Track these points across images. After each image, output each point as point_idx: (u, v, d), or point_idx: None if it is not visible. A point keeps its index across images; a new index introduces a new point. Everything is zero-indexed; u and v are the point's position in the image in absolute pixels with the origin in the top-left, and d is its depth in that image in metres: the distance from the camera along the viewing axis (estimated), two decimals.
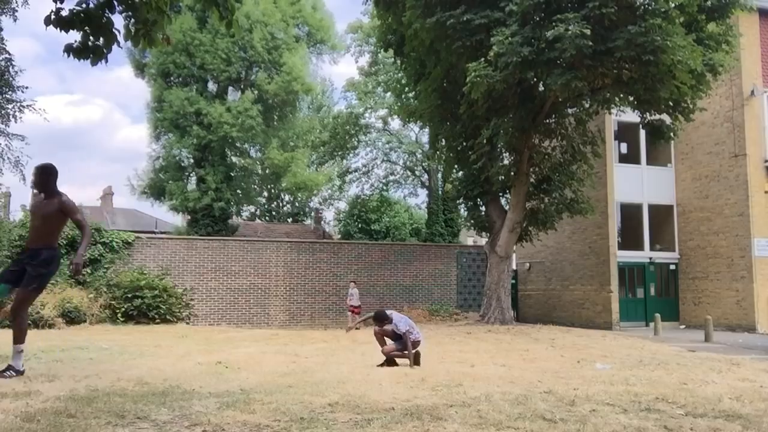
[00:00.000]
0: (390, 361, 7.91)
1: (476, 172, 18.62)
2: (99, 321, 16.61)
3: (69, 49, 4.67)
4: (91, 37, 4.62)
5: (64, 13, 4.57)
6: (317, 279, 20.45)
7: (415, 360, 7.95)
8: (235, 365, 7.75)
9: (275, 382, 6.28)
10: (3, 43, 17.40)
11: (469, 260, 22.28)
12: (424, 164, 33.23)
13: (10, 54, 17.63)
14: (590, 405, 5.08)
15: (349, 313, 18.10)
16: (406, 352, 7.86)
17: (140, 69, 26.14)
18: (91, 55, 4.66)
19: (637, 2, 13.50)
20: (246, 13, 24.04)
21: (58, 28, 4.53)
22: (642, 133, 19.93)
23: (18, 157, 18.37)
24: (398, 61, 20.92)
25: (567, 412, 4.77)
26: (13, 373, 5.80)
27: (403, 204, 36.12)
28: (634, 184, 21.59)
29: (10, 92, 17.73)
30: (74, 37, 4.67)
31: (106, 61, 4.78)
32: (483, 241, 23.25)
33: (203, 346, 10.98)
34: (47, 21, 4.54)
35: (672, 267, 21.74)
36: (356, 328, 16.33)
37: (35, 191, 6.24)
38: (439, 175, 31.35)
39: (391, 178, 35.32)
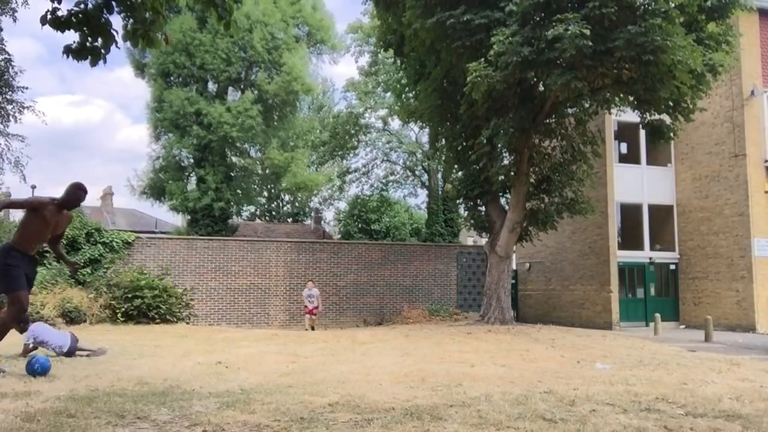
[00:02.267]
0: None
1: (476, 172, 18.59)
2: (99, 321, 16.60)
3: (68, 51, 4.66)
4: (89, 38, 4.60)
5: (61, 14, 4.55)
6: (317, 279, 20.41)
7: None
8: (235, 365, 7.75)
9: (275, 382, 6.28)
10: (3, 44, 17.42)
11: (469, 260, 22.28)
12: (424, 164, 33.21)
13: (9, 54, 17.66)
14: (590, 405, 5.08)
15: (307, 316, 17.63)
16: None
17: (140, 69, 26.16)
18: (89, 56, 4.64)
19: (637, 2, 13.47)
20: (246, 13, 24.05)
21: (55, 28, 4.52)
22: (642, 133, 19.91)
23: (18, 157, 18.41)
24: (398, 61, 20.90)
25: (567, 412, 4.77)
26: None
27: (403, 204, 36.12)
28: (634, 184, 21.58)
29: (10, 93, 17.74)
30: (73, 37, 4.66)
31: (105, 62, 4.76)
32: (483, 241, 23.23)
33: (203, 346, 10.98)
34: (43, 21, 4.53)
35: (672, 267, 21.74)
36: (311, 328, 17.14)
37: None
38: (439, 175, 31.34)
39: (391, 178, 35.31)
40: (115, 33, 4.66)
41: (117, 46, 4.74)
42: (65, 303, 15.76)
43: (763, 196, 19.17)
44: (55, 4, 4.55)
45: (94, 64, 4.68)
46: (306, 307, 17.78)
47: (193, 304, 19.08)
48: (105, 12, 4.60)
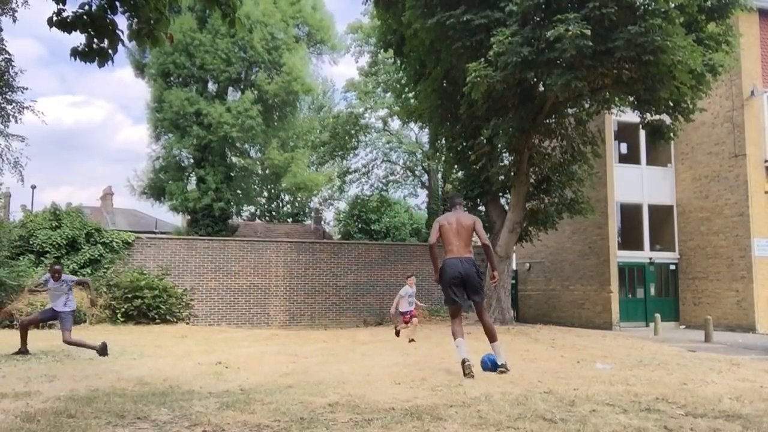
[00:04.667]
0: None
1: (476, 172, 18.60)
2: (99, 321, 16.62)
3: (75, 53, 4.67)
4: (94, 39, 4.61)
5: (66, 15, 4.56)
6: (317, 279, 20.44)
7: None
8: (235, 365, 7.76)
9: (275, 382, 6.28)
10: (3, 44, 17.38)
11: None
12: (424, 164, 33.23)
13: (10, 54, 17.61)
14: (590, 405, 5.08)
15: (406, 324, 12.64)
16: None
17: (140, 69, 26.13)
18: (96, 57, 4.65)
19: (637, 2, 13.48)
20: (246, 13, 24.01)
21: (61, 30, 4.53)
22: (642, 133, 19.92)
23: (17, 157, 18.38)
24: (398, 61, 20.91)
25: (567, 412, 4.77)
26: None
27: (403, 204, 36.12)
28: (634, 184, 21.59)
29: (9, 93, 17.71)
30: (78, 39, 4.67)
31: (113, 62, 4.78)
32: None
33: (203, 346, 10.99)
34: (50, 22, 4.53)
35: (672, 267, 21.74)
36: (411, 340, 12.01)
37: None
38: (439, 175, 31.36)
39: (391, 178, 35.34)
40: (120, 33, 4.66)
41: (125, 45, 4.75)
42: None
43: (763, 196, 19.18)
44: (60, 6, 4.55)
45: (102, 64, 4.69)
46: (403, 314, 12.71)
47: (193, 304, 19.08)
48: (109, 12, 4.60)
